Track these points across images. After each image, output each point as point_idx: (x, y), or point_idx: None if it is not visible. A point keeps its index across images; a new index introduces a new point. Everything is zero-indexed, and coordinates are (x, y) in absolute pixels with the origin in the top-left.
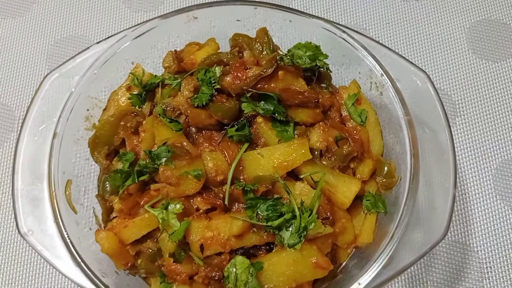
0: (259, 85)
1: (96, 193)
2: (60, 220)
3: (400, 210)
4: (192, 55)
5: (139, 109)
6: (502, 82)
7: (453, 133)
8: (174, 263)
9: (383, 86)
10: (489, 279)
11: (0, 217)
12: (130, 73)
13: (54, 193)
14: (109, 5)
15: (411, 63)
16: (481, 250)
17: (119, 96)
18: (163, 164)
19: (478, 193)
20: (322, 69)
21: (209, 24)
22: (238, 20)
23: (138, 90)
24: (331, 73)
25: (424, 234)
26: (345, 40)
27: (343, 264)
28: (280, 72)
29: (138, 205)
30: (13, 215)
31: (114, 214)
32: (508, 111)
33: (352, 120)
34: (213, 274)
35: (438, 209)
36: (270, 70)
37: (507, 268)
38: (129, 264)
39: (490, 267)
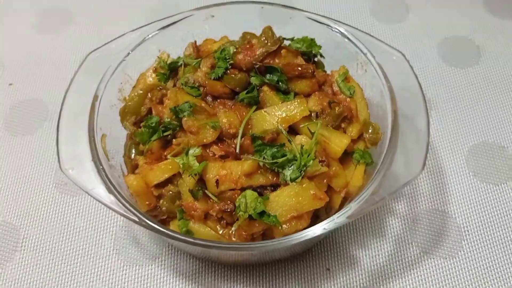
0: (265, 61)
1: (123, 154)
2: (97, 159)
3: (385, 149)
4: (209, 45)
5: (164, 85)
6: (470, 85)
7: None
8: (192, 201)
9: (367, 64)
10: (467, 240)
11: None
12: (157, 57)
13: (93, 138)
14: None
15: (389, 45)
16: (458, 217)
17: (147, 76)
18: (185, 116)
19: (453, 170)
20: (316, 56)
21: (223, 22)
22: (247, 22)
23: (163, 71)
24: (323, 59)
25: (405, 171)
26: (337, 31)
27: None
28: (282, 50)
29: (160, 159)
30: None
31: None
32: (475, 107)
33: (342, 94)
34: (226, 207)
35: (415, 151)
36: (274, 47)
37: (482, 231)
38: (151, 205)
39: (467, 231)
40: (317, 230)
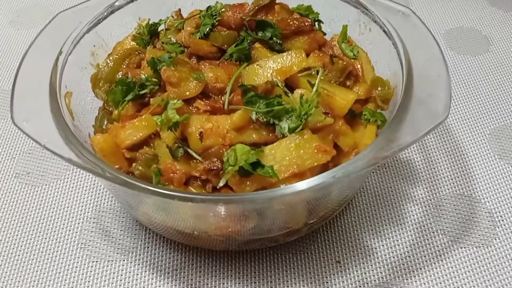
0: (257, 17)
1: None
2: (57, 111)
3: (401, 92)
4: (195, 13)
5: (143, 49)
6: (483, 71)
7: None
8: (171, 162)
9: (370, 22)
10: (501, 227)
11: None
12: (137, 23)
13: (54, 89)
14: None
15: (394, 1)
16: (488, 202)
17: (125, 44)
18: (165, 66)
19: (475, 154)
20: (315, 24)
21: None
22: None
23: (143, 37)
24: (322, 24)
25: (427, 118)
26: None
27: None
28: (276, 6)
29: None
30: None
31: None
32: (492, 91)
33: (345, 57)
34: (212, 166)
35: (436, 98)
36: (267, 0)
37: None
38: (122, 170)
39: (501, 216)
40: (336, 173)
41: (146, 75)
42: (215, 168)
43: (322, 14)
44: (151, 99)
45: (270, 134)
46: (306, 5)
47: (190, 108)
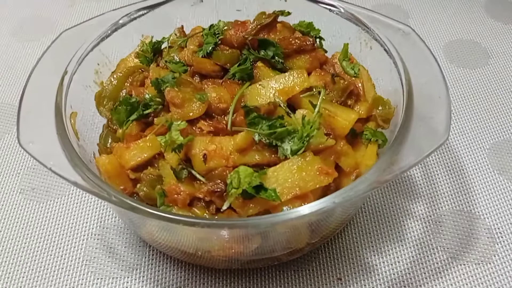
0: (259, 35)
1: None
2: (63, 132)
3: (401, 114)
4: (197, 30)
5: (147, 67)
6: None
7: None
8: (175, 183)
9: (371, 40)
10: (500, 244)
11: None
12: (140, 40)
13: (60, 111)
14: None
15: (395, 20)
16: (488, 218)
17: (128, 62)
18: (168, 87)
19: (475, 169)
20: (316, 40)
21: (212, 8)
22: (238, 10)
23: (146, 55)
24: (324, 41)
25: (427, 140)
26: (336, 10)
27: None
28: (278, 24)
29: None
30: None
31: None
32: (491, 105)
33: (346, 75)
34: (216, 188)
35: (436, 120)
36: (269, 19)
37: None
38: (127, 191)
39: (500, 232)
40: (337, 197)
41: (150, 95)
42: (218, 190)
43: (323, 30)
44: (155, 119)
45: (273, 155)
46: (307, 22)
47: (194, 128)
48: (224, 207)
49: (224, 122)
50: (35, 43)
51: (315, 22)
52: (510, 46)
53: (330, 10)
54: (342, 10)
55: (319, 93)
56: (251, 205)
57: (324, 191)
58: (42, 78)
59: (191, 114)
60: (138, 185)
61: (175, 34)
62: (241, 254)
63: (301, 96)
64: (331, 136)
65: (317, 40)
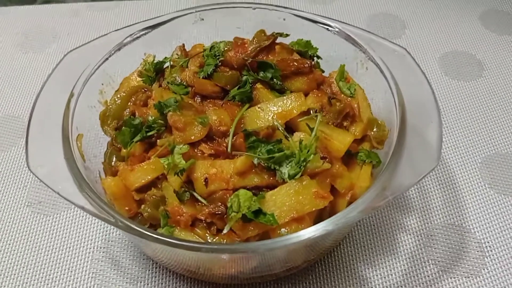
0: (258, 57)
1: (102, 161)
2: (70, 157)
3: (394, 139)
4: (198, 48)
5: (149, 87)
6: (476, 97)
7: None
8: (177, 205)
9: (367, 61)
10: (490, 257)
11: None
12: (143, 59)
13: (67, 135)
14: None
15: (391, 41)
16: (478, 232)
17: (131, 80)
18: (171, 110)
19: (466, 183)
20: (313, 59)
21: (213, 26)
22: (238, 28)
23: (149, 74)
24: (321, 60)
25: (418, 165)
26: (333, 30)
27: None
28: (276, 46)
29: (144, 160)
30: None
31: None
32: (484, 119)
33: (342, 95)
34: (216, 210)
35: (428, 145)
36: (268, 42)
37: (506, 247)
38: (132, 211)
39: (490, 246)
40: (328, 226)
41: (153, 117)
42: (219, 212)
43: (321, 49)
44: (158, 141)
45: (271, 178)
46: (305, 40)
47: (196, 150)
48: (225, 231)
49: (224, 144)
50: (40, 55)
51: (313, 41)
52: (504, 57)
53: (327, 29)
54: (339, 30)
55: (316, 112)
56: (250, 227)
57: (320, 212)
58: (48, 101)
59: (192, 137)
60: (143, 206)
61: (177, 54)
62: (240, 272)
63: (298, 120)
64: (327, 160)
65: (315, 58)
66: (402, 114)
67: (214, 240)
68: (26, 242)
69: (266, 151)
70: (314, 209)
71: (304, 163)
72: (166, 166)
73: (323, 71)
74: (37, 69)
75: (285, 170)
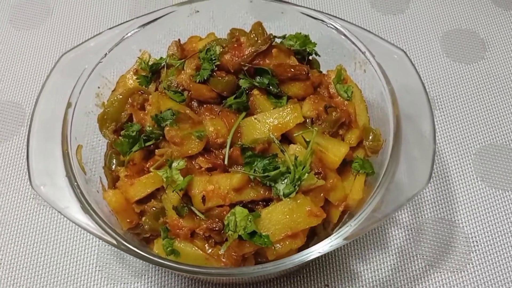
0: (255, 62)
1: (103, 165)
2: (71, 174)
3: (387, 162)
4: (194, 43)
5: (146, 88)
6: (475, 82)
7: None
8: (177, 219)
9: (365, 63)
10: (476, 252)
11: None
12: (138, 57)
13: (66, 151)
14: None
15: (389, 42)
16: (466, 226)
17: (127, 79)
18: (168, 125)
19: (460, 176)
20: (311, 55)
21: (209, 17)
22: (235, 18)
23: (145, 73)
24: (319, 57)
25: (410, 183)
26: (332, 27)
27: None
28: (273, 50)
29: (143, 171)
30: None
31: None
32: (482, 106)
33: (339, 97)
34: (214, 226)
35: (420, 161)
36: (264, 46)
37: (492, 241)
38: (133, 223)
39: (476, 241)
40: (312, 254)
41: (151, 128)
42: (216, 228)
43: (319, 45)
44: (156, 150)
45: (267, 192)
46: (304, 34)
47: (193, 163)
48: (222, 251)
49: (221, 157)
50: (34, 31)
51: (311, 36)
52: (508, 35)
53: (327, 25)
54: (339, 27)
55: (312, 121)
56: (247, 245)
57: (313, 228)
58: (45, 112)
59: (190, 152)
60: (144, 218)
61: (172, 54)
62: (238, 280)
63: (295, 135)
64: (321, 175)
65: (313, 54)
66: (397, 130)
67: (213, 251)
68: (34, 235)
69: (262, 167)
70: (307, 226)
71: (299, 182)
72: (164, 180)
73: (320, 72)
74: (32, 47)
75: (281, 187)
